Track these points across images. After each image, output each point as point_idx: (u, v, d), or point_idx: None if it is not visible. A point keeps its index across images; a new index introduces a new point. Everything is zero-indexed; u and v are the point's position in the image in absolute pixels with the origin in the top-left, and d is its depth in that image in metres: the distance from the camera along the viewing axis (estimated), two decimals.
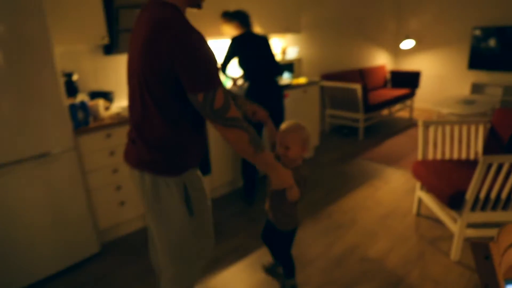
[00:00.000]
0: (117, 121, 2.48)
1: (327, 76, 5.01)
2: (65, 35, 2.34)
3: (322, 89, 5.03)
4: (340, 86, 4.80)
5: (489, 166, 2.05)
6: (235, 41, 2.91)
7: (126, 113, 2.71)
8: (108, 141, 2.46)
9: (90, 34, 2.48)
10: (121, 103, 3.02)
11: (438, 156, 2.84)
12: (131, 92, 1.31)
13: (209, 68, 1.15)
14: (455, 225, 2.27)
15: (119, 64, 3.00)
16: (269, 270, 2.24)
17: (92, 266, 2.39)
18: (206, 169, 3.02)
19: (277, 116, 3.04)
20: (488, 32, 5.49)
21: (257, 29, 3.15)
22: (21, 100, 1.99)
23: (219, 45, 3.63)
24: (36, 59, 2.00)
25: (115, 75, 3.00)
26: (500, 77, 5.57)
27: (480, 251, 1.13)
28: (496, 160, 1.99)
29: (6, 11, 1.85)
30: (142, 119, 1.29)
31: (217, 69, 1.18)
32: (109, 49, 2.77)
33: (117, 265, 2.38)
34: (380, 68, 6.05)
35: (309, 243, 2.54)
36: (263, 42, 2.99)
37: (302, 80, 3.94)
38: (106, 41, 2.54)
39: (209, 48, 1.15)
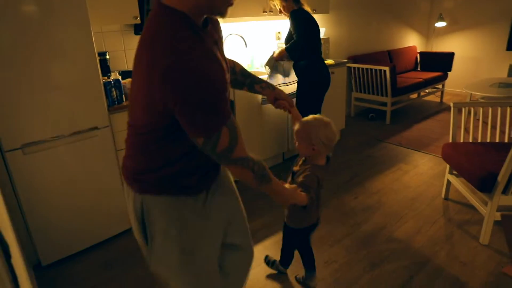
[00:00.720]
0: None
1: (355, 58, 4.92)
2: (99, 15, 2.41)
3: (349, 71, 4.95)
4: (368, 68, 4.71)
5: None
6: (302, 14, 2.94)
7: None
8: None
9: (122, 14, 2.54)
10: None
11: (470, 139, 2.78)
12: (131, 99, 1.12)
13: (210, 109, 0.95)
14: (485, 208, 2.24)
15: None
16: (269, 263, 2.17)
17: (124, 241, 2.50)
18: None
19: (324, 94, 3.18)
20: None
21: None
22: (62, 78, 2.08)
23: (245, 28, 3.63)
24: (75, 38, 2.08)
25: None
26: None
27: (510, 223, 1.12)
28: None
29: None
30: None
31: (221, 102, 0.98)
32: (139, 29, 2.83)
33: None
34: (410, 50, 5.88)
35: (336, 224, 2.56)
36: (314, 19, 3.05)
37: (329, 61, 3.89)
38: (138, 20, 2.60)
39: (209, 79, 0.93)
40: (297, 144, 1.63)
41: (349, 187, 3.08)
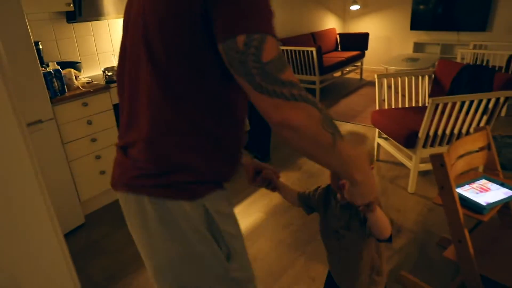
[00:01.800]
0: (92, 88, 2.50)
1: (283, 41, 5.18)
2: (28, 2, 2.29)
3: None
4: (296, 50, 5.01)
5: (436, 108, 2.37)
6: None
7: (98, 81, 2.73)
8: (85, 109, 2.48)
9: (53, 0, 2.43)
10: (89, 73, 3.01)
11: (391, 106, 3.17)
12: (128, 74, 0.89)
13: (263, 3, 0.75)
14: (410, 162, 2.62)
15: (84, 33, 2.96)
16: None
17: (78, 237, 2.45)
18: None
19: None
20: None
21: None
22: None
23: None
24: (10, 28, 1.98)
25: (80, 44, 2.95)
26: (438, 36, 6.08)
27: (437, 161, 1.40)
28: (441, 100, 2.31)
29: None
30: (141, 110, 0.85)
31: (271, 15, 0.77)
32: (73, 17, 2.73)
33: (103, 233, 2.45)
34: (331, 31, 6.33)
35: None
36: None
37: None
38: (71, 7, 2.51)
39: None
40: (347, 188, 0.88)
41: (292, 160, 3.33)
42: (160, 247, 0.88)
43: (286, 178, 3.01)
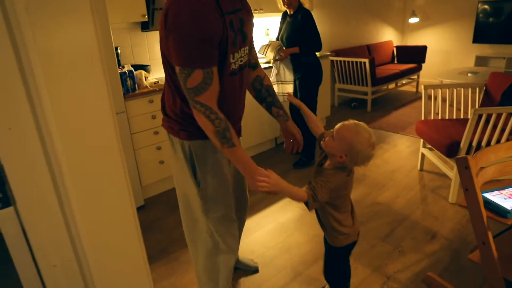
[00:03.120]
0: (157, 88, 2.86)
1: (337, 52, 5.32)
2: (111, 13, 2.69)
3: (332, 64, 5.35)
4: (349, 60, 5.12)
5: (480, 118, 2.39)
6: (311, 13, 3.15)
7: (163, 82, 3.09)
8: (150, 106, 2.84)
9: (132, 12, 2.84)
10: (157, 75, 3.40)
11: (439, 117, 3.19)
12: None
13: (193, 47, 1.17)
14: (452, 171, 2.64)
15: (154, 40, 3.37)
16: None
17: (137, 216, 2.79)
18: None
19: None
20: (492, 6, 5.74)
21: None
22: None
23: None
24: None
25: (150, 50, 3.36)
26: (503, 49, 5.83)
27: (461, 163, 1.50)
28: (484, 111, 2.33)
29: None
30: (164, 88, 1.48)
31: (207, 51, 1.21)
32: (146, 26, 3.13)
33: (159, 216, 2.77)
34: (387, 44, 6.33)
35: None
36: None
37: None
38: (145, 18, 2.90)
39: (200, 24, 1.16)
40: (327, 139, 1.41)
41: None
42: (172, 163, 1.61)
43: None
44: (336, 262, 1.71)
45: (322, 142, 1.45)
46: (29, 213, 0.75)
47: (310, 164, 3.44)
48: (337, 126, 1.41)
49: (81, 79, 0.74)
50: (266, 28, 4.39)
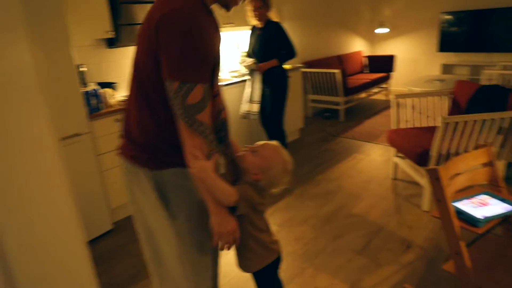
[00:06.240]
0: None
1: (309, 63, 5.36)
2: (75, 30, 2.60)
3: (304, 75, 5.38)
4: (321, 71, 5.16)
5: (448, 126, 2.43)
6: (281, 25, 3.23)
7: None
8: (117, 125, 2.75)
9: (96, 29, 2.76)
10: (123, 93, 3.30)
11: (410, 125, 3.23)
12: (130, 84, 1.23)
13: (195, 60, 1.03)
14: (424, 179, 2.66)
15: (121, 57, 3.28)
16: None
17: (106, 242, 2.66)
18: None
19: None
20: (454, 16, 5.97)
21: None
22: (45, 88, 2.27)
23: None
24: (57, 53, 2.28)
25: (117, 67, 3.27)
26: (467, 57, 6.05)
27: (432, 174, 1.49)
28: (451, 119, 2.37)
29: (36, 15, 2.12)
30: (131, 110, 1.21)
31: (208, 65, 1.08)
32: (112, 43, 3.05)
33: (128, 240, 2.64)
34: (357, 54, 6.45)
35: (301, 207, 2.89)
36: None
37: (286, 66, 4.26)
38: (111, 35, 2.82)
39: (204, 37, 1.04)
40: (246, 153, 1.34)
41: (311, 177, 3.43)
42: (131, 198, 1.36)
43: (303, 193, 3.11)
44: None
45: (239, 155, 1.36)
46: None
47: None
48: (261, 143, 1.37)
49: (13, 106, 0.68)
50: (237, 42, 4.37)
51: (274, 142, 1.39)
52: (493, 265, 1.70)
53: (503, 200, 1.70)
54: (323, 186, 3.23)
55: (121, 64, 3.30)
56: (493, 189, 1.83)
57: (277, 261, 1.44)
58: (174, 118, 1.11)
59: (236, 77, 3.83)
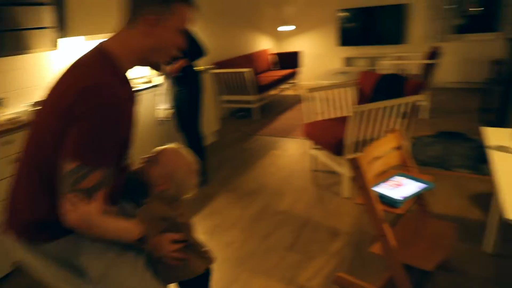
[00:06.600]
0: (18, 125, 2.40)
1: (219, 64, 5.30)
2: None
3: (216, 76, 5.31)
4: (232, 72, 5.15)
5: (358, 115, 2.56)
6: None
7: (25, 117, 2.63)
8: (9, 148, 2.37)
9: None
10: (14, 109, 2.88)
11: (322, 117, 3.35)
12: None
13: (109, 142, 0.96)
14: (342, 168, 2.77)
15: (7, 68, 2.84)
16: None
17: (11, 282, 2.30)
18: None
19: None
20: (349, 13, 6.47)
21: None
22: None
23: None
24: None
25: (4, 80, 2.83)
26: (364, 50, 6.57)
27: (353, 164, 1.53)
28: (360, 109, 2.50)
29: None
30: (19, 181, 1.09)
31: (118, 148, 1.01)
32: None
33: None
34: (265, 52, 6.60)
35: (227, 211, 2.81)
36: None
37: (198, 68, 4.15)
38: None
39: (124, 126, 1.00)
40: (150, 168, 1.24)
41: (233, 179, 3.38)
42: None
43: (227, 196, 3.04)
44: None
45: (138, 168, 1.26)
46: None
47: (206, 180, 3.32)
48: (158, 149, 1.27)
49: None
50: None
51: (172, 145, 1.30)
52: (413, 240, 1.82)
53: (415, 179, 1.82)
54: (246, 187, 3.19)
55: (8, 77, 2.86)
56: (404, 169, 1.96)
57: (207, 273, 1.35)
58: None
59: (145, 83, 3.60)
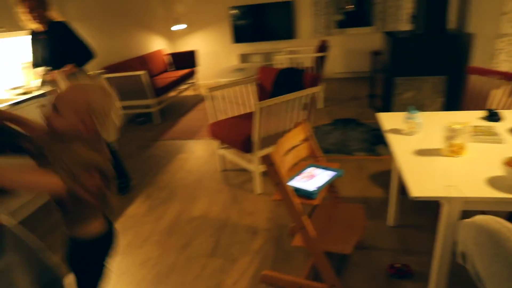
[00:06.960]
0: None
1: (109, 68, 4.90)
2: None
3: (108, 81, 4.90)
4: (125, 75, 4.80)
5: (263, 110, 2.57)
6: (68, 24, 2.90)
7: None
8: None
9: None
10: None
11: (226, 116, 3.31)
12: None
13: None
14: (251, 165, 2.77)
15: None
16: None
17: None
18: None
19: None
20: (240, 10, 6.54)
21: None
22: None
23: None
24: None
25: None
26: (258, 46, 6.73)
27: (267, 160, 1.50)
28: (263, 104, 2.51)
29: None
30: None
31: None
32: None
33: None
34: (159, 53, 6.31)
35: (138, 226, 2.60)
36: None
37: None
38: None
39: None
40: (51, 116, 1.11)
41: (140, 190, 3.15)
42: None
43: (136, 209, 2.82)
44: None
45: (44, 121, 1.13)
46: None
47: (131, 180, 3.07)
48: (57, 95, 1.14)
49: None
50: (13, 51, 3.58)
51: (70, 85, 1.17)
52: (330, 227, 1.88)
53: (325, 168, 1.88)
54: (155, 196, 3.00)
55: None
56: (314, 160, 2.01)
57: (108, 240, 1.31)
58: None
59: (21, 94, 3.13)
